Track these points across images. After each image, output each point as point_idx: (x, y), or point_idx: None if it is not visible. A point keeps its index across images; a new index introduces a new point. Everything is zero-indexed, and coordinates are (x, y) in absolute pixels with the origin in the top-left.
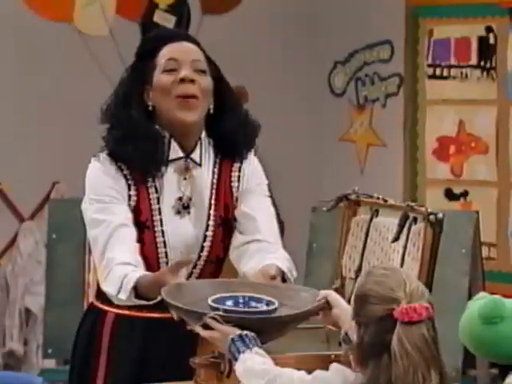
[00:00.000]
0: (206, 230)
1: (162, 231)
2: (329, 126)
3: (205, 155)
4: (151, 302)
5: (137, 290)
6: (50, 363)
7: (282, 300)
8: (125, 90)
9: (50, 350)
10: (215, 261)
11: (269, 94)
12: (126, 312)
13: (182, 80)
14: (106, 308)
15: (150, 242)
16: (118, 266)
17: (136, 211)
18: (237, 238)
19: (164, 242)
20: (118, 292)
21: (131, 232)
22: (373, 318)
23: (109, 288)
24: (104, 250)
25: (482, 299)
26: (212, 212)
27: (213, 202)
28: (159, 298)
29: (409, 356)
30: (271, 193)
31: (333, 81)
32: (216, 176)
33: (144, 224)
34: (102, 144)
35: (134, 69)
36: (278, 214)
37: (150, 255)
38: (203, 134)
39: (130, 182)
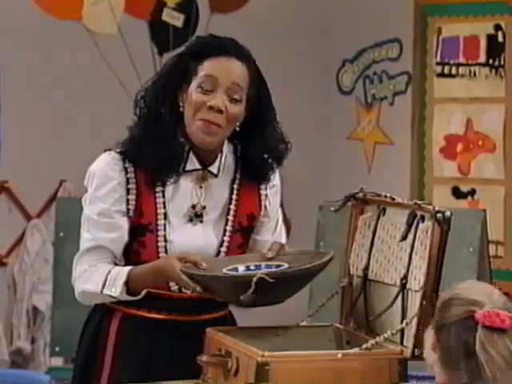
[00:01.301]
0: (224, 235)
1: (165, 236)
2: (336, 125)
3: (223, 168)
4: (138, 297)
5: (127, 284)
6: (58, 361)
7: (292, 264)
8: (162, 85)
9: (57, 348)
10: None
11: (277, 92)
12: (134, 311)
13: (211, 107)
14: (114, 306)
15: (152, 245)
16: (100, 265)
17: (138, 214)
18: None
19: (165, 247)
20: (103, 287)
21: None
22: (454, 318)
23: (88, 285)
24: (82, 255)
25: None
26: (230, 218)
27: (232, 207)
28: (143, 293)
29: (495, 362)
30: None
31: (341, 79)
32: (236, 187)
33: (146, 227)
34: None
35: (177, 66)
36: (284, 214)
37: (149, 259)
38: (225, 147)
39: (130, 186)
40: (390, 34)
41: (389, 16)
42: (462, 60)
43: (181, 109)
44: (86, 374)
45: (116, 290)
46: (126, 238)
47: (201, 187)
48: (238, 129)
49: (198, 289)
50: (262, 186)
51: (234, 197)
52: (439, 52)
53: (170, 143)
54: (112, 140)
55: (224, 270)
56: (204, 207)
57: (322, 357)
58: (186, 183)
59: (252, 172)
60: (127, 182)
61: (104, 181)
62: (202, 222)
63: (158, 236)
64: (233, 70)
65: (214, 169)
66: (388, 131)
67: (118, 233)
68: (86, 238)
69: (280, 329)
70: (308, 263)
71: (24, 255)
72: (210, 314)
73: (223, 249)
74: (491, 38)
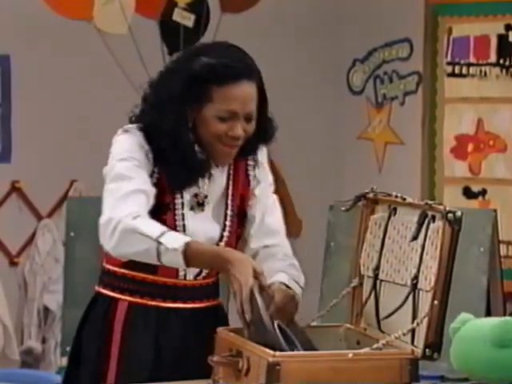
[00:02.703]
0: (225, 219)
1: (183, 215)
2: (347, 125)
3: None
4: (184, 267)
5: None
6: None
7: None
8: (174, 108)
9: (68, 348)
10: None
11: (287, 92)
12: (139, 300)
13: (233, 137)
14: (118, 296)
15: (171, 224)
16: (148, 220)
17: (160, 190)
18: (246, 243)
19: (183, 226)
20: (161, 235)
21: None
22: None
23: (142, 226)
24: (125, 199)
25: (468, 321)
26: (230, 202)
27: (230, 191)
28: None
29: None
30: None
31: (351, 79)
32: (232, 172)
33: (168, 205)
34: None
35: (189, 88)
36: (295, 213)
37: None
38: None
39: (153, 159)
40: (401, 34)
41: (399, 16)
42: (472, 60)
43: (189, 124)
44: (92, 364)
45: (175, 243)
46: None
47: (204, 176)
48: None
49: (246, 327)
50: (250, 167)
51: (230, 182)
52: (450, 52)
53: (194, 165)
54: None
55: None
56: (206, 196)
57: (332, 357)
58: None
59: (240, 152)
60: (152, 153)
61: (135, 146)
62: (203, 210)
63: (176, 215)
64: (248, 97)
65: None
66: (399, 131)
67: (150, 189)
68: (122, 186)
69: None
70: None
71: (35, 255)
72: (209, 302)
73: (226, 233)
74: (502, 38)
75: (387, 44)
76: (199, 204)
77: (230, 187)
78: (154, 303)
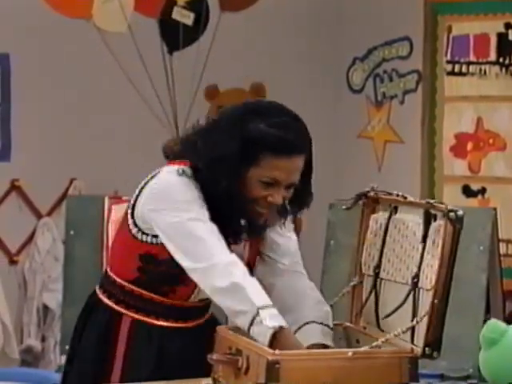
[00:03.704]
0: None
1: None
2: (346, 123)
3: None
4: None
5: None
6: None
7: None
8: (229, 168)
9: (67, 347)
10: None
11: (287, 91)
12: (144, 318)
13: (271, 203)
14: (123, 311)
15: None
16: (250, 279)
17: None
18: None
19: None
20: (263, 308)
21: None
22: None
23: (248, 291)
24: (219, 248)
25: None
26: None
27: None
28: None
29: None
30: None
31: (351, 77)
32: None
33: None
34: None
35: (242, 150)
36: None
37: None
38: None
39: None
40: (401, 33)
41: (399, 14)
42: (472, 58)
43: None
44: (93, 373)
45: (272, 321)
46: None
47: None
48: None
49: None
50: None
51: None
52: (449, 50)
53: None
54: (121, 138)
55: None
56: None
57: (332, 355)
58: None
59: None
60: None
61: (187, 190)
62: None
63: None
64: (295, 169)
65: None
66: (398, 130)
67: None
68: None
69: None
70: None
71: (34, 254)
72: (207, 315)
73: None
74: (501, 37)
75: (387, 42)
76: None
77: None
78: (158, 323)
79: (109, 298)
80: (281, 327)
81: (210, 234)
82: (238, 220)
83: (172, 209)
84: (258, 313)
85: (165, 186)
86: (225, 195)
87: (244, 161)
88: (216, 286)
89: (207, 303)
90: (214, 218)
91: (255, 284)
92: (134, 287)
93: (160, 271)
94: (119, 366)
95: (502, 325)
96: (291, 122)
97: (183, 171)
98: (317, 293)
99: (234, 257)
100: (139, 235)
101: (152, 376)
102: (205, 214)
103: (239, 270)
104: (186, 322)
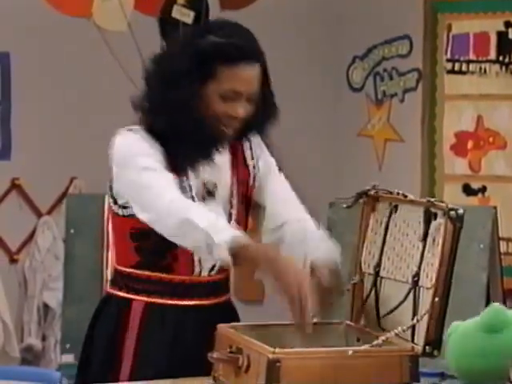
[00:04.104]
0: (231, 207)
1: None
2: (346, 121)
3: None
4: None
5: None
6: (68, 358)
7: None
8: (183, 84)
9: (67, 346)
10: None
11: (286, 89)
12: (157, 300)
13: (234, 118)
14: (134, 297)
15: None
16: (197, 208)
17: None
18: (269, 222)
19: None
20: (209, 225)
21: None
22: None
23: (192, 214)
24: (164, 190)
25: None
26: (235, 191)
27: (234, 180)
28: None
29: None
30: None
31: (351, 76)
32: (231, 156)
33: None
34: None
35: (194, 64)
36: None
37: None
38: None
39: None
40: (400, 31)
41: (399, 13)
42: (472, 57)
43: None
44: (104, 366)
45: (223, 236)
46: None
47: (218, 149)
48: None
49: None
50: (246, 150)
51: (234, 170)
52: (449, 49)
53: (204, 139)
54: None
55: None
56: (215, 184)
57: (332, 354)
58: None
59: (240, 133)
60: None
61: (142, 144)
62: (214, 199)
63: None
64: (253, 78)
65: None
66: (398, 128)
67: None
68: (147, 164)
69: (291, 326)
70: None
71: (35, 252)
72: (222, 297)
73: (232, 222)
74: (501, 35)
75: (387, 41)
76: (209, 193)
77: (234, 176)
78: (172, 302)
79: (120, 289)
80: (233, 237)
81: (158, 180)
82: (204, 145)
83: (125, 169)
84: (210, 238)
85: (114, 150)
86: (188, 122)
87: (200, 76)
88: (168, 229)
89: (221, 279)
90: (179, 153)
91: (200, 211)
92: (139, 271)
93: (152, 245)
94: (130, 352)
95: (459, 322)
96: (240, 30)
97: (130, 129)
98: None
99: (176, 194)
100: (120, 211)
101: (165, 364)
102: (156, 162)
103: (182, 204)
104: (201, 300)
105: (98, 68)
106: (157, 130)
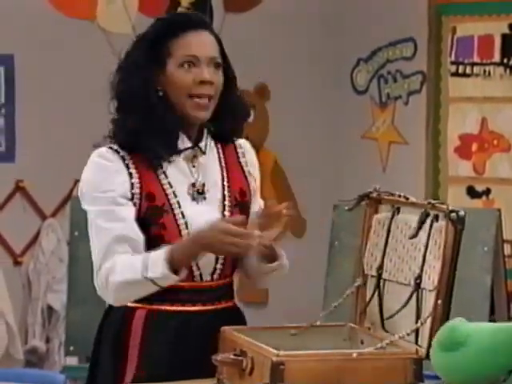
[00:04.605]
0: (224, 210)
1: (182, 213)
2: (351, 124)
3: (209, 145)
4: (180, 276)
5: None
6: (72, 361)
7: None
8: (139, 74)
9: (72, 348)
10: None
11: (291, 92)
12: (159, 307)
13: (202, 82)
14: (135, 305)
15: (172, 225)
16: (125, 257)
17: (149, 197)
18: None
19: (186, 224)
20: (145, 270)
21: (132, 243)
22: None
23: (126, 274)
24: (103, 258)
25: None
26: (227, 193)
27: (225, 183)
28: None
29: None
30: None
31: (355, 78)
32: (223, 160)
33: (162, 208)
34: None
35: (149, 53)
36: (298, 213)
37: (173, 239)
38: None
39: (131, 170)
40: (405, 34)
41: (403, 15)
42: (476, 59)
43: (159, 93)
44: (110, 373)
45: (157, 270)
46: (135, 227)
47: (194, 166)
48: None
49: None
50: (243, 163)
51: (224, 174)
52: (454, 51)
53: (163, 126)
54: None
55: None
56: (204, 184)
57: (336, 356)
58: (181, 163)
59: (224, 134)
60: (127, 168)
61: (103, 173)
62: (205, 199)
63: (175, 215)
64: (206, 42)
65: (202, 146)
66: (403, 131)
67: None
68: (102, 234)
69: (295, 328)
70: None
71: (39, 254)
72: (226, 303)
73: None
74: (506, 38)
75: (391, 43)
76: (199, 193)
77: (225, 180)
78: (173, 308)
79: None
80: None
81: (101, 235)
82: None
83: (84, 204)
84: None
85: (81, 177)
86: (142, 106)
87: (159, 60)
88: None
89: (224, 284)
90: (150, 148)
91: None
92: None
93: (153, 246)
94: (134, 358)
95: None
96: (187, 11)
97: (97, 153)
98: None
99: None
100: None
101: (167, 370)
102: (110, 202)
103: (114, 271)
104: (204, 305)
105: (102, 70)
106: (128, 133)
